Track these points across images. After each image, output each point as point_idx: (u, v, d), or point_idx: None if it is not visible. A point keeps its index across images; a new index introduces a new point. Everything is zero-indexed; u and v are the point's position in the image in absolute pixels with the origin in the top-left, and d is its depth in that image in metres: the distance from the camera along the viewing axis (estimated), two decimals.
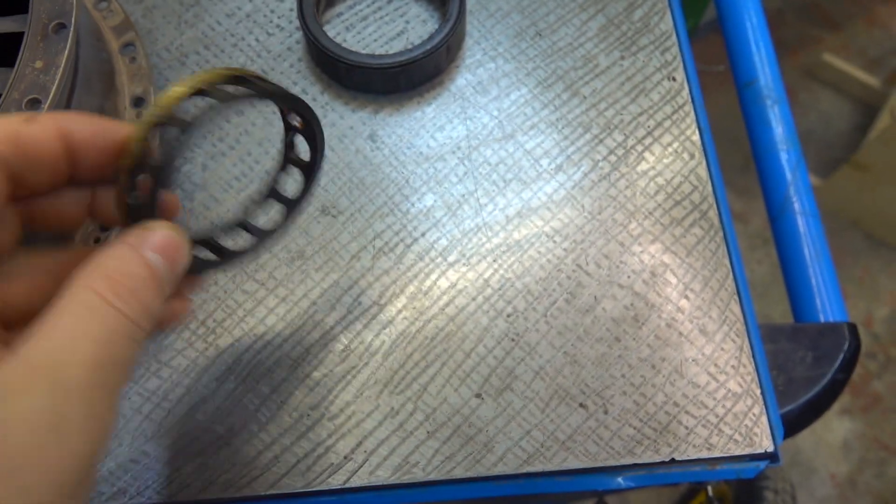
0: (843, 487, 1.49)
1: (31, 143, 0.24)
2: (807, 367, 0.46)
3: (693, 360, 0.39)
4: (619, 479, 0.38)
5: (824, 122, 1.82)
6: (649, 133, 0.45)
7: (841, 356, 0.47)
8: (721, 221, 0.43)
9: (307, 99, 0.46)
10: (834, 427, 1.54)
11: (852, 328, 0.47)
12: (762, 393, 0.39)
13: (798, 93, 1.85)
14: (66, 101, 0.35)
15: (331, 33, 0.47)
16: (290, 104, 0.31)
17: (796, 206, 0.54)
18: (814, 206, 0.55)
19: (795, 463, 1.51)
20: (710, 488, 0.57)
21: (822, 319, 0.50)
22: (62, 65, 0.32)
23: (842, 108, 1.83)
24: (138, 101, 0.41)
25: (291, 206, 0.34)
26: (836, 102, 1.84)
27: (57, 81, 0.32)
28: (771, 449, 0.38)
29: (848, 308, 1.62)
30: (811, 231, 0.54)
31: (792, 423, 0.44)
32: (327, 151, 0.44)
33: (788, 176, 0.55)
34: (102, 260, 0.23)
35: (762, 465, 0.40)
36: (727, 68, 0.60)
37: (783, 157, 0.56)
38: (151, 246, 0.24)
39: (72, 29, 0.32)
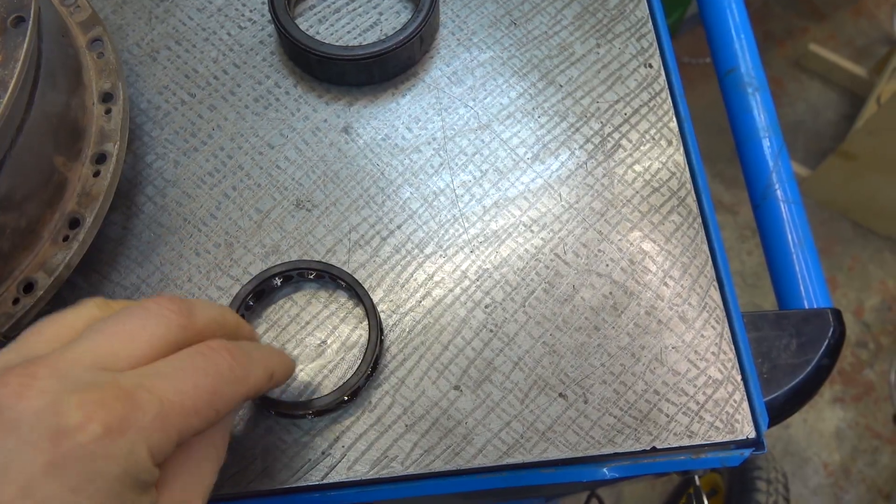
0: (836, 476, 1.49)
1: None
2: (791, 353, 0.46)
3: (673, 348, 0.39)
4: (605, 470, 0.38)
5: (812, 112, 1.82)
6: (626, 120, 0.44)
7: (825, 342, 0.46)
8: (700, 208, 0.43)
9: (279, 92, 0.45)
10: (826, 416, 1.54)
11: (836, 314, 0.47)
12: (743, 379, 0.39)
13: (786, 83, 1.85)
14: (28, 97, 0.34)
15: (303, 26, 0.47)
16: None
17: (779, 193, 0.54)
18: (796, 194, 0.54)
19: (788, 452, 1.51)
20: (697, 479, 0.57)
21: (806, 306, 0.49)
22: (21, 59, 0.31)
23: (829, 98, 1.84)
24: (106, 97, 0.40)
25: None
26: (824, 93, 1.84)
27: (16, 76, 0.31)
28: (752, 435, 0.38)
29: (838, 297, 1.63)
30: (794, 218, 0.53)
31: (777, 411, 0.43)
32: (301, 146, 0.44)
33: (770, 163, 0.55)
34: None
35: (746, 452, 0.39)
36: (713, 60, 0.60)
37: (765, 144, 0.56)
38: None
39: (31, 22, 0.32)
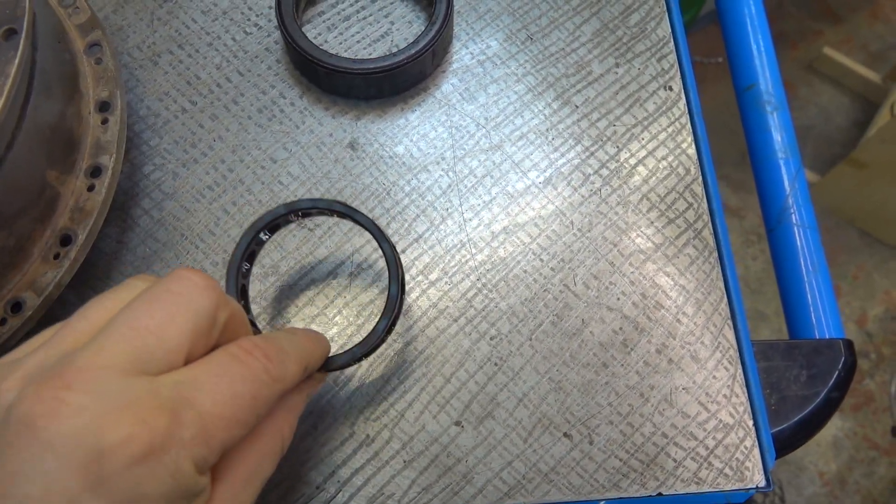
0: (832, 486, 1.48)
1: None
2: (801, 385, 0.45)
3: (684, 389, 0.38)
4: None
5: (823, 117, 1.80)
6: (643, 146, 0.43)
7: (836, 374, 0.45)
8: (717, 241, 0.41)
9: (284, 103, 0.43)
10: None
11: (848, 345, 0.46)
12: (755, 424, 0.38)
13: (797, 87, 1.83)
14: (20, 110, 0.33)
15: (311, 33, 0.45)
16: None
17: (794, 217, 0.53)
18: (812, 219, 0.53)
19: (784, 461, 1.51)
20: None
21: (817, 336, 0.48)
22: (12, 74, 0.29)
23: (841, 103, 1.81)
24: (104, 106, 0.38)
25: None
26: (836, 97, 1.82)
27: (6, 92, 0.29)
28: (762, 484, 0.37)
29: (841, 306, 1.61)
30: (809, 244, 0.52)
31: (784, 443, 0.42)
32: (305, 161, 0.42)
33: (787, 186, 0.54)
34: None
35: (752, 490, 0.38)
36: (725, 60, 0.58)
37: (782, 165, 0.54)
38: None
39: (23, 36, 0.30)
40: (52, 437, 0.20)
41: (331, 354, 0.32)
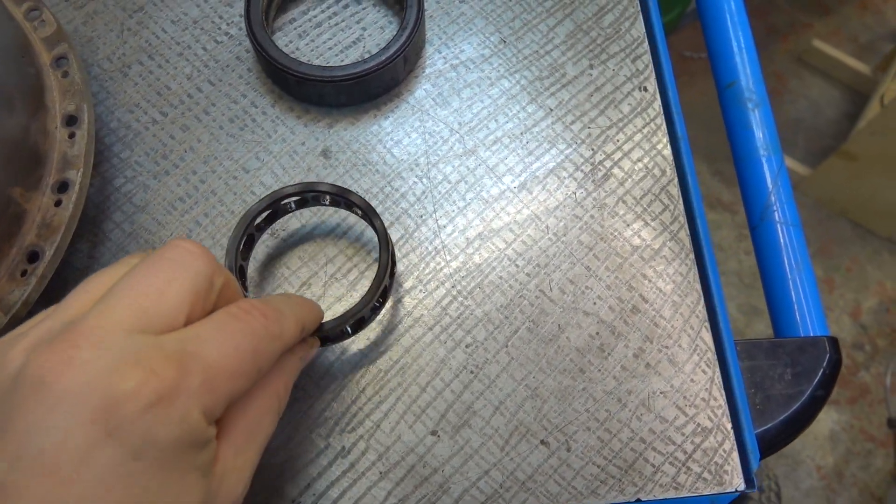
0: (829, 479, 1.48)
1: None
2: (785, 384, 0.44)
3: (661, 393, 0.37)
4: None
5: (814, 109, 1.80)
6: (618, 148, 0.42)
7: (821, 372, 0.45)
8: (694, 243, 0.41)
9: (256, 112, 0.43)
10: (820, 418, 1.53)
11: (833, 342, 0.45)
12: (736, 426, 0.37)
13: (788, 80, 1.82)
14: None
15: (282, 41, 0.44)
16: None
17: (777, 215, 0.52)
18: (795, 216, 0.53)
19: (781, 455, 1.50)
20: None
21: (802, 334, 0.48)
22: None
23: (831, 95, 1.81)
24: (71, 120, 0.38)
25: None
26: (826, 89, 1.81)
27: None
28: (742, 487, 0.36)
29: (835, 298, 1.61)
30: (793, 242, 0.52)
31: (769, 443, 0.42)
32: (278, 170, 0.42)
33: (769, 183, 0.53)
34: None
35: (734, 494, 0.38)
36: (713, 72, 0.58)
37: (764, 163, 0.54)
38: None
39: None
40: (63, 392, 0.21)
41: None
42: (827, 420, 1.53)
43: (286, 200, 0.37)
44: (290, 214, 0.39)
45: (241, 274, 0.36)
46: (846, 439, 1.51)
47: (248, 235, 0.36)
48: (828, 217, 1.67)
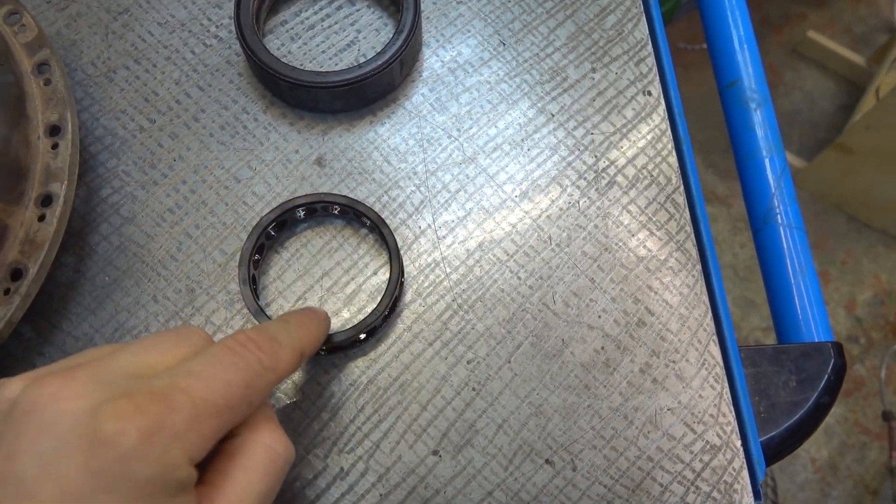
0: (823, 472, 1.48)
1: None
2: (790, 391, 0.44)
3: (669, 410, 0.36)
4: None
5: (808, 101, 1.79)
6: (622, 154, 0.41)
7: (825, 378, 0.44)
8: (701, 253, 0.40)
9: (247, 119, 0.41)
10: None
11: (837, 347, 0.45)
12: (744, 441, 0.37)
13: (782, 72, 1.81)
14: None
15: (274, 44, 0.43)
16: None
17: (780, 217, 0.51)
18: (799, 219, 0.52)
19: None
20: None
21: (806, 339, 0.47)
22: None
23: (826, 87, 1.80)
24: (54, 130, 0.36)
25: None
26: (821, 81, 1.81)
27: None
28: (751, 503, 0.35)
29: (830, 292, 1.61)
30: (796, 245, 0.51)
31: (773, 451, 0.41)
32: (271, 179, 0.40)
33: (772, 184, 0.52)
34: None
35: None
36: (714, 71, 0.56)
37: (767, 164, 0.53)
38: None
39: None
40: (49, 423, 0.22)
41: (330, 333, 0.34)
42: None
43: (296, 210, 0.38)
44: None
45: (253, 283, 0.36)
46: (841, 432, 1.51)
47: (259, 245, 0.37)
48: (823, 210, 1.67)
